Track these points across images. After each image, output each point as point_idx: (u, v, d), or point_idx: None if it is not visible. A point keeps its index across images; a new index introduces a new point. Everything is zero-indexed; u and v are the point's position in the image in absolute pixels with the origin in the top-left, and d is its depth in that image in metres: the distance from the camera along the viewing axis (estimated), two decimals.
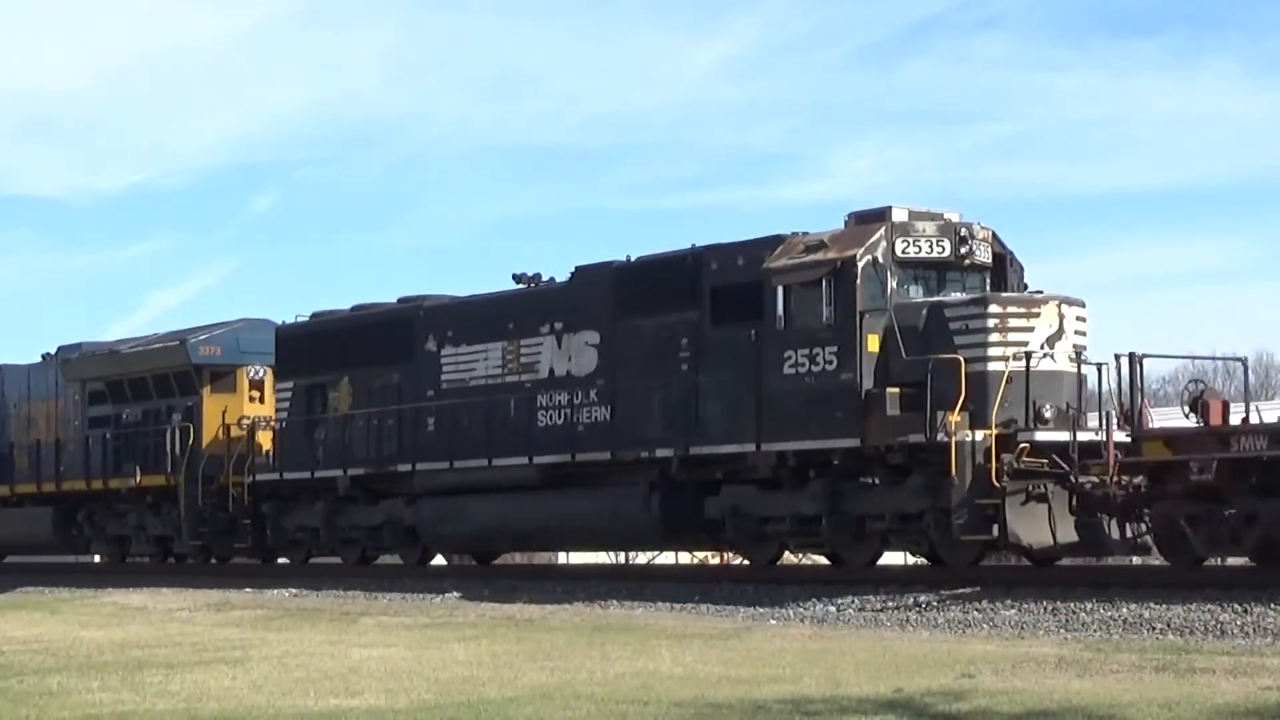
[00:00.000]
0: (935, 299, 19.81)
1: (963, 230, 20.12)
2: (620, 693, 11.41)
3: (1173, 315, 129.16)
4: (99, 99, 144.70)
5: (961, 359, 18.59)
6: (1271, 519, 16.66)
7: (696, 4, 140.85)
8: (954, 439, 18.31)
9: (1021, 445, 18.40)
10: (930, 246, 19.94)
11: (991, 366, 18.87)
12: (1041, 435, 18.56)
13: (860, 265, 19.48)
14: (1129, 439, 17.70)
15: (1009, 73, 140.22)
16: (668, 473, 21.25)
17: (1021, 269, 20.56)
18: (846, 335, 19.45)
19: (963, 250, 20.01)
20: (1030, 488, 18.34)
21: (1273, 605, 15.45)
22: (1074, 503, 18.26)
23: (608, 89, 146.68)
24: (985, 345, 18.96)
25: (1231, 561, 20.08)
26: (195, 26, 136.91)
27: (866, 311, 19.40)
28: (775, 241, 20.45)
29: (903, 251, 19.84)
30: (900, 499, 19.25)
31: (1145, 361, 18.24)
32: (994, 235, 20.43)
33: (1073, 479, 18.07)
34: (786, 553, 22.08)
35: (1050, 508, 18.31)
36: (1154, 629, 15.14)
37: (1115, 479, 17.65)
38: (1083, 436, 18.32)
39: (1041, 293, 19.83)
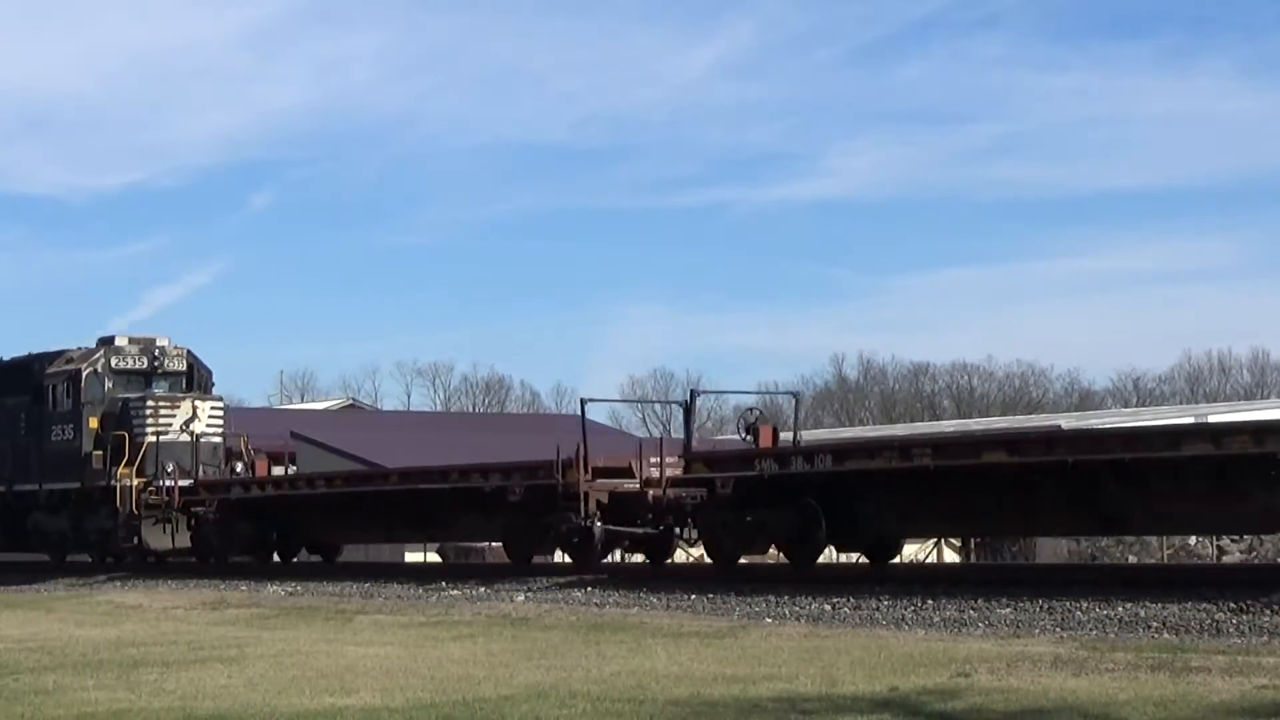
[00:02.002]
0: (127, 395, 32.49)
1: (158, 350, 33.27)
2: (615, 691, 11.42)
3: (1169, 314, 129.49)
4: (98, 98, 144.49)
5: (128, 434, 31.37)
6: (777, 525, 21.99)
7: (694, 4, 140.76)
8: (119, 484, 31.14)
9: (152, 487, 31.25)
10: (133, 361, 33.06)
11: (147, 439, 31.45)
12: (167, 482, 31.36)
13: (85, 373, 32.73)
14: (681, 460, 23.55)
15: (1006, 72, 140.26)
16: (7, 500, 34.48)
17: (209, 373, 33.87)
18: (77, 417, 32.66)
19: (156, 364, 33.10)
20: (159, 513, 31.39)
21: (1268, 604, 15.48)
22: (191, 522, 31.35)
23: (605, 88, 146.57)
24: (144, 425, 31.72)
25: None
26: (193, 26, 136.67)
27: (88, 402, 32.50)
28: (57, 355, 33.61)
29: (115, 365, 32.94)
30: (99, 520, 32.19)
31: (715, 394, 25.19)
32: (187, 352, 33.63)
33: (179, 508, 31.34)
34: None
35: (173, 526, 31.42)
36: (1150, 628, 15.15)
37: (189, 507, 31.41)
38: (185, 482, 31.43)
39: (185, 393, 32.80)
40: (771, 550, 24.02)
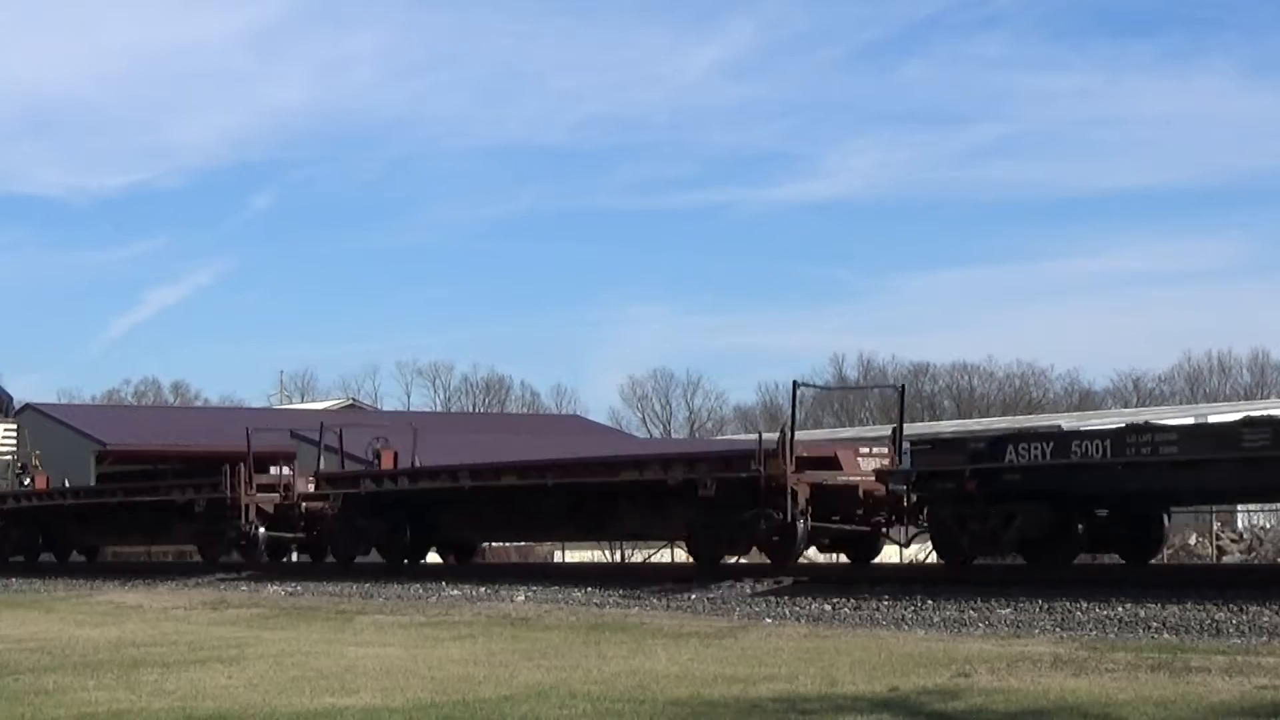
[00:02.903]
0: None
1: None
2: (616, 691, 11.42)
3: (1169, 314, 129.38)
4: (99, 99, 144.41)
5: None
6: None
7: (694, 4, 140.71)
8: None
9: None
10: None
11: None
12: None
13: None
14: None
15: (1007, 73, 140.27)
16: None
17: (9, 398, 41.37)
18: None
19: None
20: None
21: (1268, 604, 15.49)
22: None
23: (606, 89, 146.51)
24: None
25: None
26: (194, 26, 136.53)
27: None
28: None
29: None
30: None
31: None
32: None
33: None
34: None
35: None
36: (1149, 628, 15.16)
37: None
38: None
39: None
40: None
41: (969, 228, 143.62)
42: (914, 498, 20.89)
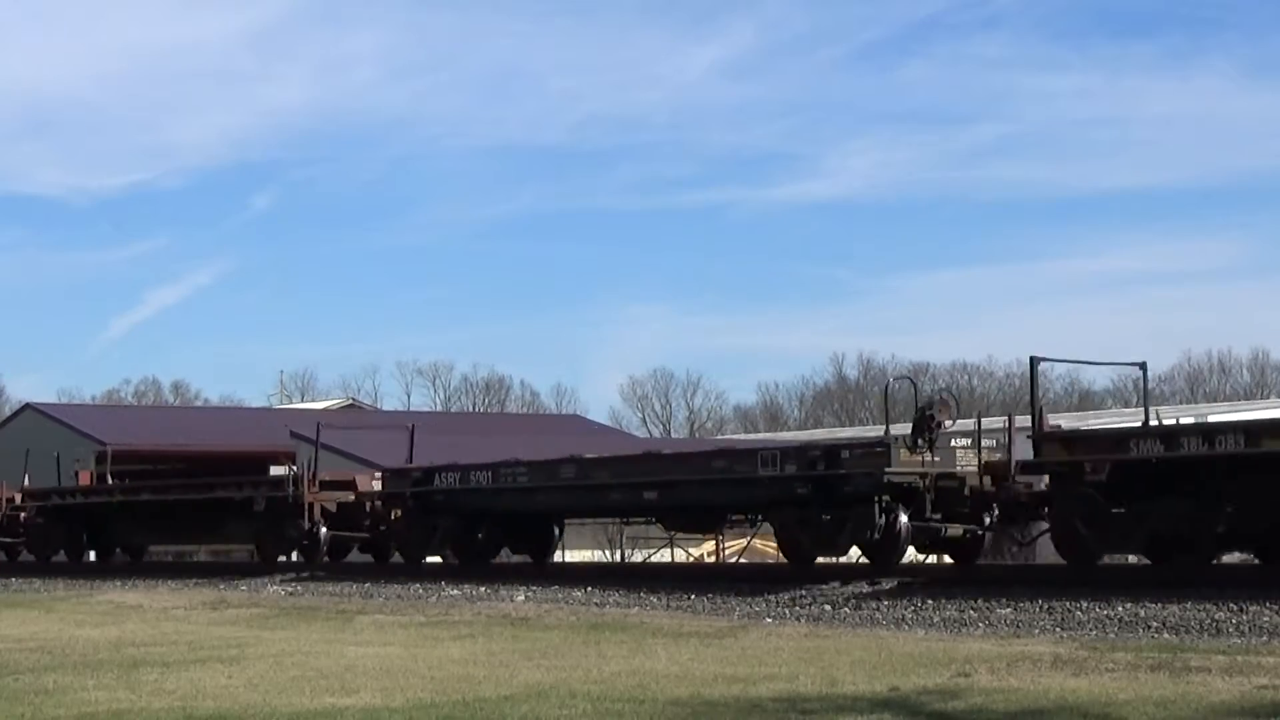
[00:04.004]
0: None
1: None
2: (616, 691, 11.42)
3: (1169, 314, 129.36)
4: (100, 99, 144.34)
5: None
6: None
7: (694, 4, 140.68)
8: None
9: None
10: None
11: None
12: None
13: None
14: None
15: (1007, 73, 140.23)
16: None
17: None
18: None
19: None
20: None
21: (1268, 604, 15.49)
22: None
23: (606, 89, 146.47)
24: None
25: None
26: (195, 27, 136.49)
27: None
28: None
29: None
30: None
31: None
32: None
33: None
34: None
35: None
36: (1149, 628, 15.16)
37: None
38: None
39: None
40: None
41: (969, 228, 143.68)
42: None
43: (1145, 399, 21.16)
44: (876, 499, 20.34)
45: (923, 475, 20.19)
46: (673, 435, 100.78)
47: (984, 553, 21.74)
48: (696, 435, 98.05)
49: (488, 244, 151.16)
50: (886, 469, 20.06)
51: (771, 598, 19.67)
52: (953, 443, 20.43)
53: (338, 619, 19.41)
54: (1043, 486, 19.43)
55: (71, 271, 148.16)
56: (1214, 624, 14.99)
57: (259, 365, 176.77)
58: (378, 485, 28.36)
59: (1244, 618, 15.13)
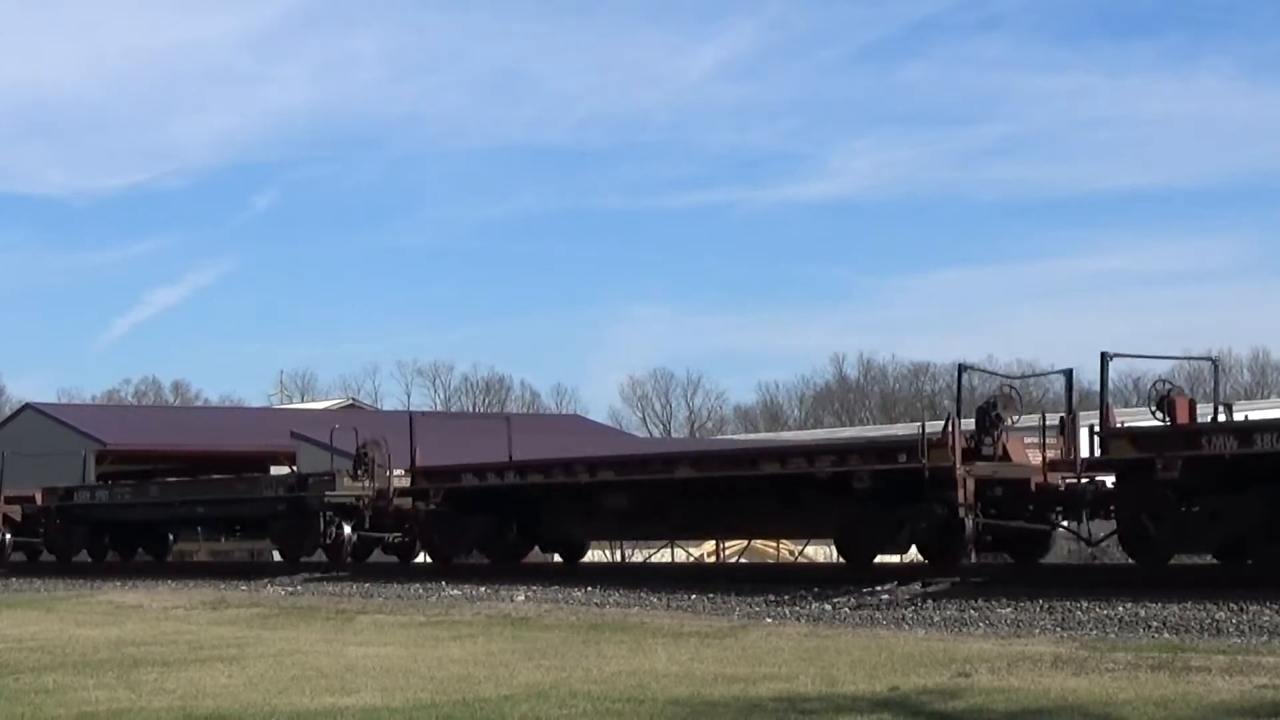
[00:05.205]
0: None
1: None
2: (616, 691, 11.41)
3: (1169, 314, 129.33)
4: (100, 99, 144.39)
5: None
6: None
7: (695, 5, 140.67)
8: None
9: None
10: None
11: None
12: None
13: None
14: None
15: (1008, 73, 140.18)
16: None
17: None
18: None
19: None
20: None
21: (1268, 604, 15.48)
22: None
23: (607, 89, 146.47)
24: None
25: None
26: (196, 28, 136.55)
27: None
28: None
29: None
30: None
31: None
32: None
33: None
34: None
35: None
36: (1150, 627, 15.16)
37: None
38: None
39: None
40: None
41: (969, 228, 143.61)
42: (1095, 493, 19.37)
43: (1216, 394, 20.71)
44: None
45: (986, 475, 19.95)
46: (673, 435, 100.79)
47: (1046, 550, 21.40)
48: (697, 435, 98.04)
49: (488, 244, 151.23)
50: (960, 467, 19.74)
51: (772, 598, 19.67)
52: (1008, 439, 20.13)
53: (337, 619, 19.41)
54: (1109, 485, 19.10)
55: (72, 271, 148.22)
56: (1214, 624, 14.98)
57: (259, 365, 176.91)
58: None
59: (1244, 618, 15.12)
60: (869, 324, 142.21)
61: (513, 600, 21.28)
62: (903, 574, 20.50)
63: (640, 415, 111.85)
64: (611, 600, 20.68)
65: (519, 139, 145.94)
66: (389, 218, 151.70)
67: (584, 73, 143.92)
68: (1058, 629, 15.52)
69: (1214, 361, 21.92)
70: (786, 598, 19.51)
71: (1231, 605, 15.62)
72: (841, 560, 22.27)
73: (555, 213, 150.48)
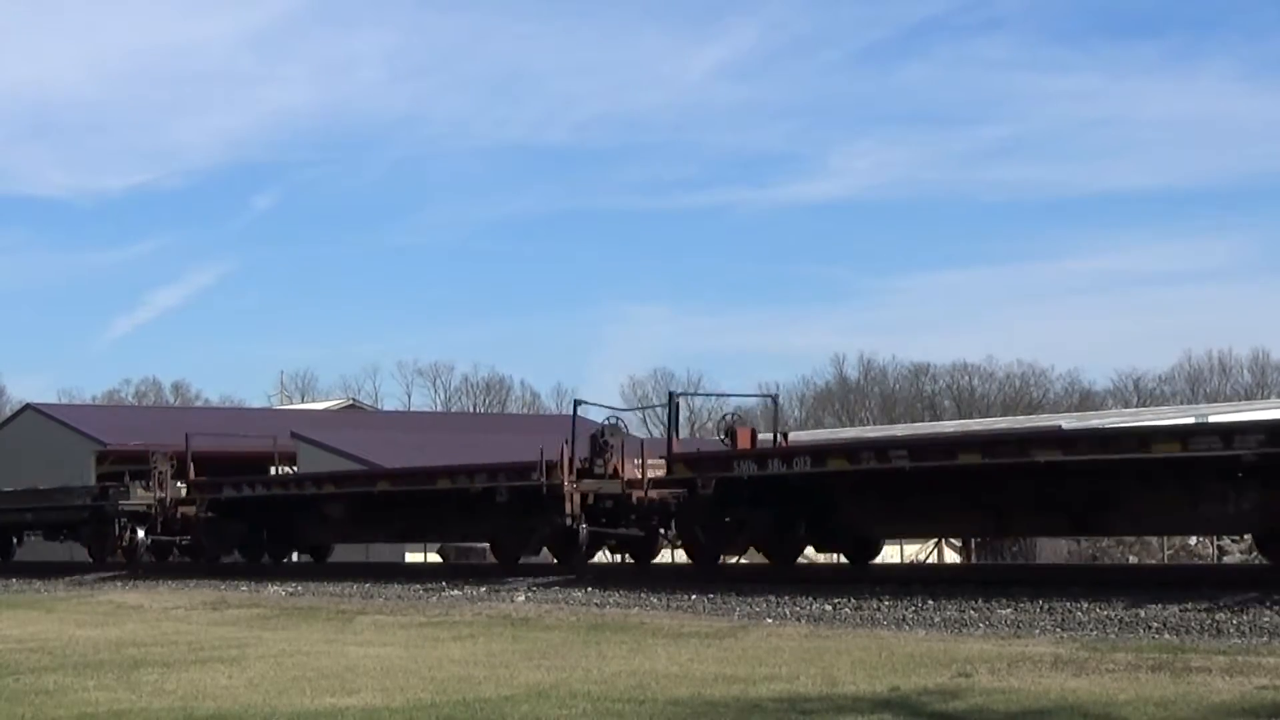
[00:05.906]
0: None
1: None
2: (616, 691, 11.41)
3: (1169, 314, 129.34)
4: (101, 100, 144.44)
5: None
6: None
7: (696, 6, 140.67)
8: None
9: None
10: None
11: None
12: None
13: None
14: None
15: (1009, 74, 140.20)
16: None
17: None
18: None
19: None
20: None
21: (1268, 604, 15.48)
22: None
23: (608, 90, 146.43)
24: None
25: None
26: (197, 28, 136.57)
27: None
28: None
29: None
30: None
31: None
32: None
33: None
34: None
35: None
36: (1150, 628, 15.15)
37: None
38: None
39: None
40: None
41: (969, 228, 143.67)
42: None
43: (775, 425, 26.99)
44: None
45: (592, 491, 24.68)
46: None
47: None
48: (697, 435, 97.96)
49: (488, 244, 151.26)
50: (569, 484, 24.32)
51: (772, 598, 19.67)
52: None
53: (338, 619, 19.42)
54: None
55: (73, 272, 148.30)
56: (1214, 625, 14.98)
57: (259, 365, 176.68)
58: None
59: (1244, 618, 15.13)
60: (869, 324, 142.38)
61: (513, 601, 21.29)
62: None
63: (640, 415, 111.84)
64: (612, 601, 20.68)
65: (520, 139, 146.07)
66: (390, 218, 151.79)
67: (585, 73, 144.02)
68: (1058, 629, 15.52)
69: (774, 399, 29.91)
70: (786, 598, 19.50)
71: (1231, 606, 15.62)
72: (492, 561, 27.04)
73: (555, 213, 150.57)
